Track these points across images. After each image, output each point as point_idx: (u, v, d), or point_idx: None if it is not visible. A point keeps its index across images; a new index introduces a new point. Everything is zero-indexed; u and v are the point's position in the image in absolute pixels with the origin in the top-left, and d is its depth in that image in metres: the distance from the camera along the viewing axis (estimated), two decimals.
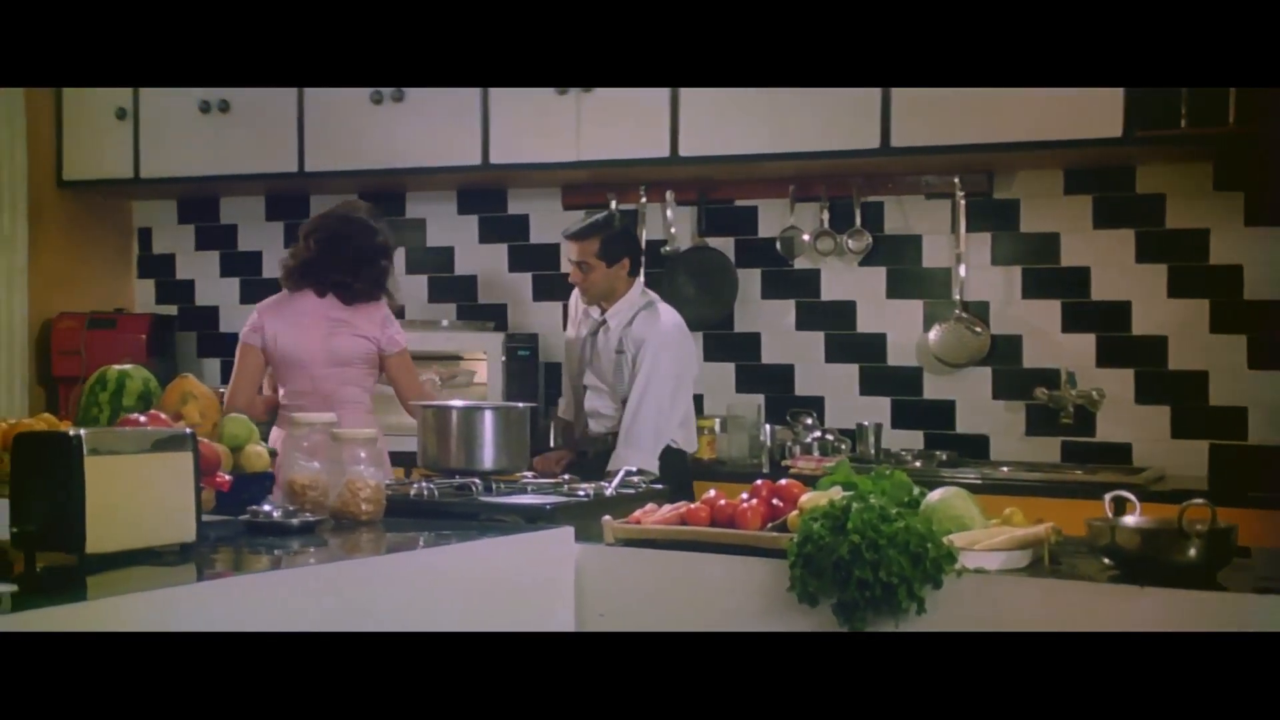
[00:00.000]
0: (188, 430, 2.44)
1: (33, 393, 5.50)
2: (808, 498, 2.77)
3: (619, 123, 4.83)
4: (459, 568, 2.66)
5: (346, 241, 4.23)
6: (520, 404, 3.51)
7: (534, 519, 3.00)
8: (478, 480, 3.28)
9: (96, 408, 3.71)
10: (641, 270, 4.61)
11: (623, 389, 4.42)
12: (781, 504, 2.83)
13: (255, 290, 5.84)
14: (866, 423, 4.78)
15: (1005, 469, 4.57)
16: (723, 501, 2.87)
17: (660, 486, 3.49)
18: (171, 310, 5.99)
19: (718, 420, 4.89)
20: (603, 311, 4.55)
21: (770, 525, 2.79)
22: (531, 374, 5.12)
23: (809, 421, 4.90)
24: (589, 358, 4.57)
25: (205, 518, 2.78)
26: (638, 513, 2.91)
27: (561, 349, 5.29)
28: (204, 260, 5.99)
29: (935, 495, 2.77)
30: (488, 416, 3.39)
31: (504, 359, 5.03)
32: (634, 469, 3.52)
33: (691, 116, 4.75)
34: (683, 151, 4.80)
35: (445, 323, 5.27)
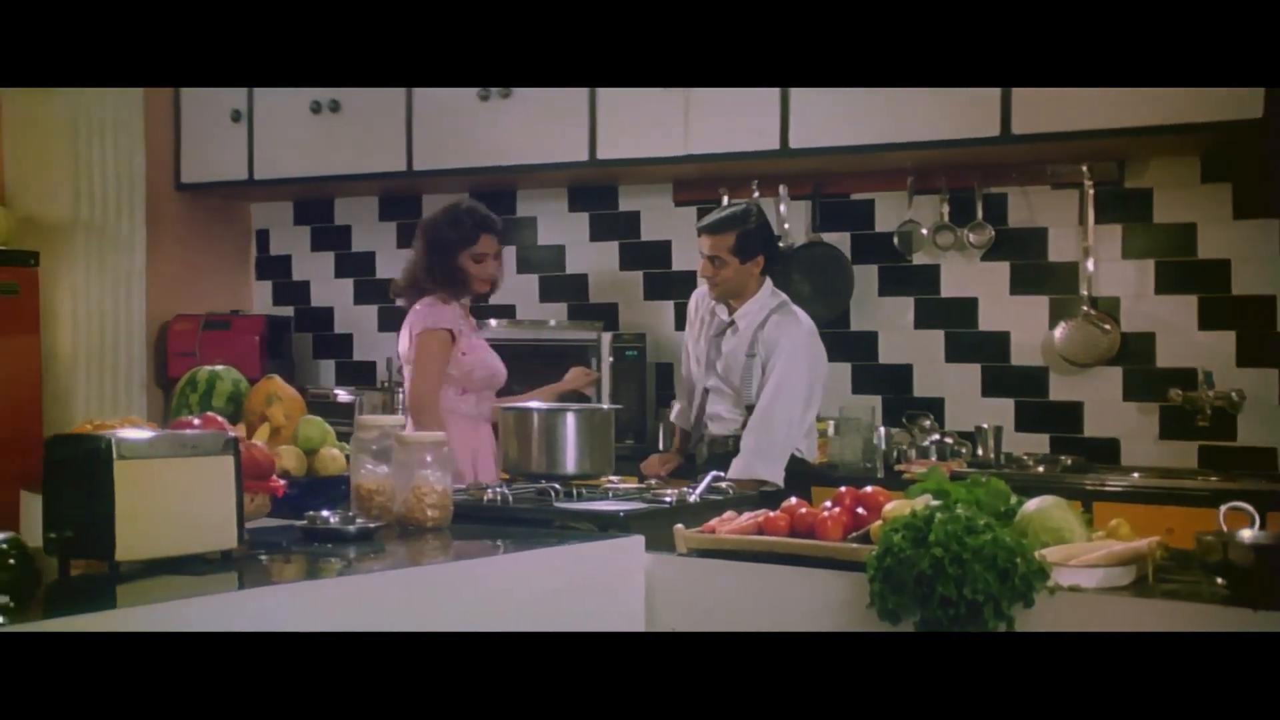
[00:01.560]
0: (231, 434, 2.35)
1: (150, 394, 5.54)
2: (892, 506, 2.58)
3: (728, 115, 4.66)
4: (520, 578, 2.53)
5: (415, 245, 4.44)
6: (605, 405, 3.38)
7: (607, 526, 2.86)
8: (557, 485, 3.15)
9: (187, 409, 3.68)
10: (772, 268, 4.40)
11: (749, 394, 4.24)
12: (866, 513, 2.65)
13: (368, 291, 5.83)
14: (986, 425, 4.54)
15: (1137, 475, 4.29)
16: (804, 510, 2.70)
17: (753, 494, 3.32)
18: (288, 312, 5.99)
19: (831, 423, 4.69)
20: (731, 311, 4.34)
21: (852, 536, 2.61)
22: (639, 374, 4.97)
23: (927, 424, 4.68)
24: (714, 360, 4.36)
25: (261, 524, 2.72)
26: (714, 520, 2.75)
27: (672, 349, 5.16)
28: (319, 261, 5.98)
29: (1032, 505, 2.56)
30: (570, 419, 3.26)
31: (611, 359, 4.90)
32: (724, 474, 3.34)
33: (802, 107, 4.56)
34: (793, 143, 4.61)
35: (553, 322, 5.16)
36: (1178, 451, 4.44)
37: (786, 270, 4.98)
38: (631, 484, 3.35)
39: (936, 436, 4.61)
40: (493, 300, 5.50)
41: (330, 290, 5.95)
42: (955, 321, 4.80)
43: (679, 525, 2.69)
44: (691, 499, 3.11)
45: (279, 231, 6.08)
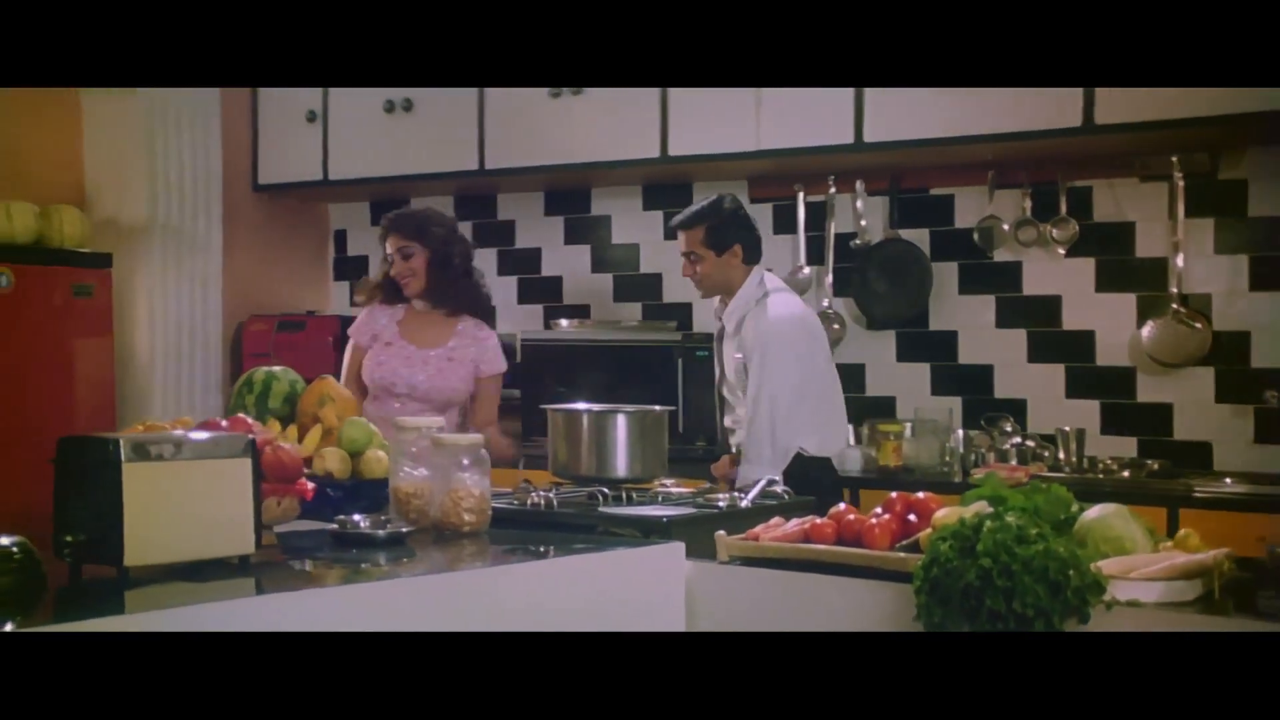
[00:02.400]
0: (249, 436, 2.28)
1: (225, 395, 5.54)
2: (943, 514, 2.45)
3: (800, 109, 4.53)
4: (552, 586, 2.44)
5: None
6: (657, 407, 3.27)
7: (651, 533, 2.76)
8: (605, 489, 3.06)
9: (243, 410, 3.64)
10: (760, 258, 4.21)
11: (744, 398, 4.09)
12: (917, 520, 2.52)
13: None
14: (1069, 428, 4.36)
15: (1229, 481, 4.08)
16: (852, 516, 2.57)
17: (809, 498, 3.20)
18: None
19: (908, 425, 4.54)
20: (723, 312, 4.21)
21: (901, 544, 2.48)
22: (710, 375, 4.85)
23: (1008, 427, 4.50)
24: (722, 367, 4.25)
25: (292, 527, 2.66)
26: (759, 527, 2.63)
27: None
28: None
29: (1091, 513, 2.41)
30: (620, 421, 3.17)
31: (681, 360, 4.80)
32: (776, 478, 3.22)
33: (876, 99, 4.42)
34: (868, 137, 4.47)
35: (624, 323, 5.07)
36: (1273, 456, 4.22)
37: (863, 268, 4.85)
38: (686, 488, 3.24)
39: (1017, 440, 4.43)
40: (567, 300, 5.47)
41: None
42: (1038, 320, 4.62)
43: (720, 532, 2.58)
44: (743, 504, 3.00)
45: (356, 232, 6.06)
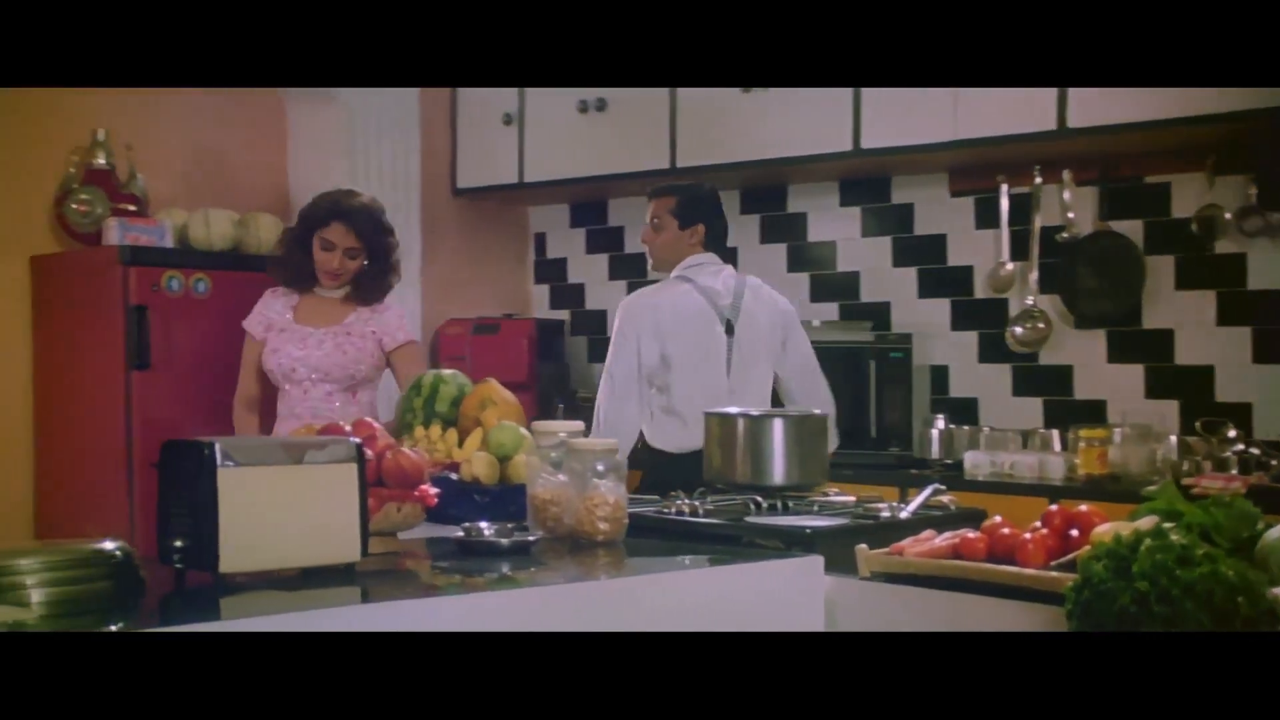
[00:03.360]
0: (354, 439, 2.22)
1: None
2: (1105, 529, 2.21)
3: (999, 94, 4.27)
4: (679, 600, 2.29)
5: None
6: (816, 411, 3.09)
7: (794, 544, 2.59)
8: (758, 498, 2.90)
9: (411, 414, 3.64)
10: (722, 249, 4.21)
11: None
12: (1078, 535, 2.28)
13: None
14: None
15: None
16: (1006, 530, 2.35)
17: (980, 510, 2.97)
18: (564, 315, 5.94)
19: (1116, 431, 4.23)
20: None
21: (1057, 562, 2.25)
22: (904, 377, 4.63)
23: (1231, 434, 4.14)
24: None
25: (417, 534, 2.59)
26: (907, 540, 2.44)
27: (944, 351, 4.82)
28: (593, 263, 5.90)
29: (1275, 532, 2.14)
30: (776, 426, 3.00)
31: (874, 362, 4.59)
32: (944, 487, 3.00)
33: None
34: (1072, 122, 4.19)
35: (817, 323, 4.88)
36: None
37: (1071, 262, 4.56)
38: (848, 496, 3.05)
39: (1240, 447, 4.07)
40: None
41: (604, 293, 5.86)
42: (1264, 317, 4.24)
43: (861, 545, 2.39)
44: (903, 515, 2.79)
45: (556, 234, 6.04)
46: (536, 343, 5.59)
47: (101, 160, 4.76)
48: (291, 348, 4.06)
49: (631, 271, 5.76)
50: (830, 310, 5.14)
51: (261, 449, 2.10)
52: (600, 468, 2.62)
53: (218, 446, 2.05)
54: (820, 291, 5.21)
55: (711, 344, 4.04)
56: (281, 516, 2.10)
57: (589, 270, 5.92)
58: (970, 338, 4.82)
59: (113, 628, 1.86)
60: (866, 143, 4.63)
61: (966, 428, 4.58)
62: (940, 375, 4.84)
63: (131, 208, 4.73)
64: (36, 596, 1.89)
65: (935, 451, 4.52)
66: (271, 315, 4.14)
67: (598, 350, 5.86)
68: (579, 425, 2.77)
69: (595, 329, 5.87)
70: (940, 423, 4.58)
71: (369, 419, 2.58)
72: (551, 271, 6.04)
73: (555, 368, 5.71)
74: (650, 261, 4.26)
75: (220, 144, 5.27)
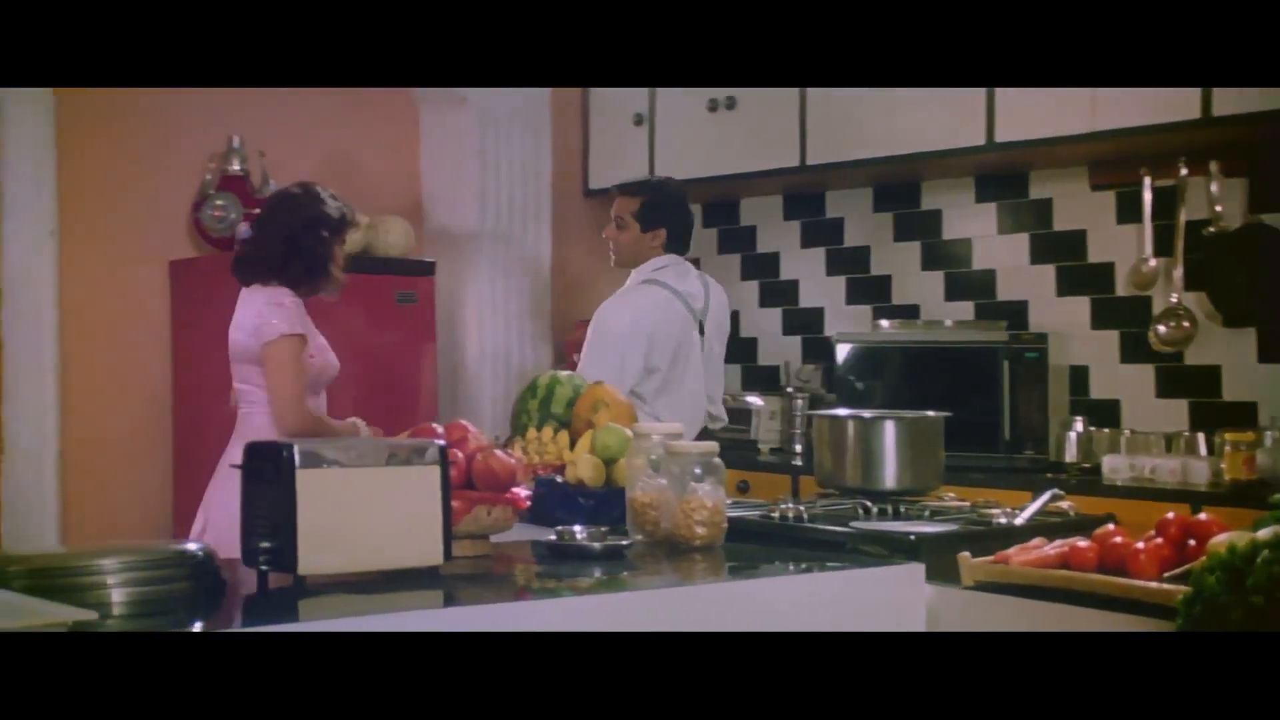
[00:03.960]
0: (439, 443, 2.19)
1: None
2: (1222, 539, 2.08)
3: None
4: (772, 608, 2.22)
5: (270, 224, 3.81)
6: (931, 414, 2.98)
7: (898, 551, 2.49)
8: (867, 502, 2.81)
9: (526, 415, 3.62)
10: (686, 249, 4.27)
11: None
12: (1195, 545, 2.16)
13: (773, 293, 5.62)
14: None
15: None
16: (1119, 539, 2.23)
17: (1103, 516, 2.83)
18: None
19: (1267, 434, 4.01)
20: None
21: (1170, 574, 2.13)
22: (1040, 378, 4.47)
23: None
24: None
25: (510, 536, 2.56)
26: (1014, 549, 2.33)
27: (1085, 351, 4.65)
28: (726, 264, 5.82)
29: None
30: (888, 428, 2.91)
31: (1008, 363, 4.43)
32: (1060, 492, 2.87)
33: None
34: (1217, 110, 3.98)
35: (949, 323, 4.75)
36: None
37: (1216, 258, 4.35)
38: (963, 501, 2.94)
39: None
40: (895, 300, 5.19)
41: (736, 293, 5.76)
42: None
43: (964, 553, 2.29)
44: (1018, 521, 2.68)
45: None
46: None
47: (236, 166, 4.85)
48: (330, 354, 3.87)
49: (764, 272, 5.68)
50: (965, 310, 4.99)
51: (342, 451, 2.09)
52: (698, 470, 2.56)
53: (296, 448, 2.04)
54: (955, 290, 5.06)
55: (691, 350, 4.11)
56: (361, 519, 2.08)
57: (721, 271, 5.82)
58: (1111, 337, 4.63)
59: (189, 628, 1.86)
60: (1001, 136, 4.48)
61: (1106, 430, 4.40)
62: (1080, 376, 4.65)
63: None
64: (117, 596, 1.91)
65: (1072, 455, 4.36)
66: (303, 318, 3.79)
67: (729, 351, 5.77)
68: (678, 428, 2.71)
69: None
70: (1078, 425, 4.41)
71: (462, 422, 2.55)
72: None
73: None
74: (613, 259, 4.33)
75: (352, 148, 5.34)
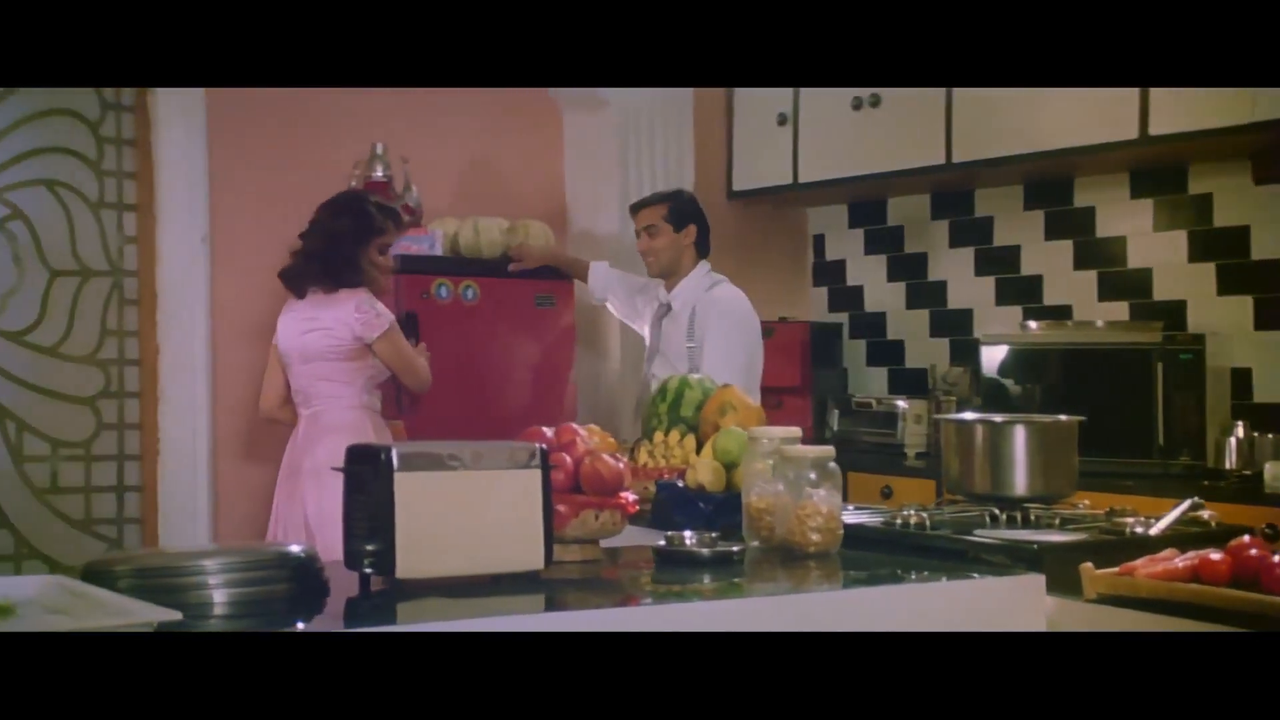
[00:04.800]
0: (539, 446, 2.17)
1: None
2: None
3: None
4: (884, 619, 2.15)
5: (311, 234, 4.14)
6: (1064, 417, 2.86)
7: (1020, 560, 2.39)
8: (995, 509, 2.71)
9: (656, 419, 3.61)
10: (709, 253, 4.60)
11: None
12: None
13: (921, 295, 5.50)
14: None
15: None
16: (1254, 551, 2.11)
17: (1244, 526, 2.68)
18: (841, 318, 5.78)
19: None
20: (668, 292, 4.51)
21: None
22: (1196, 381, 4.27)
23: None
24: (657, 345, 4.50)
25: (621, 541, 2.53)
26: (1141, 560, 2.21)
27: (1242, 353, 4.45)
28: (872, 265, 5.72)
29: None
30: (1019, 433, 2.80)
31: (1161, 365, 4.25)
32: (1200, 500, 2.72)
33: None
34: None
35: (1100, 323, 4.58)
36: None
37: None
38: (1097, 509, 2.81)
39: None
40: (1047, 300, 5.03)
41: (883, 294, 5.68)
42: None
43: (1087, 564, 2.19)
44: (1153, 531, 2.55)
45: (834, 235, 5.89)
46: (810, 346, 5.46)
47: (379, 172, 4.91)
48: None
49: (911, 273, 5.55)
50: (1120, 310, 4.81)
51: (441, 455, 2.08)
52: (814, 476, 2.50)
53: (395, 452, 2.04)
54: (1109, 290, 4.88)
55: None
56: (461, 522, 2.08)
57: (868, 272, 5.75)
58: (1277, 339, 4.41)
59: (285, 629, 1.87)
60: (1155, 129, 4.30)
61: (1270, 435, 4.18)
62: (1242, 379, 4.44)
63: (406, 217, 4.86)
64: (219, 597, 1.93)
65: (1231, 461, 4.16)
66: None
67: (876, 354, 5.69)
68: (796, 431, 2.64)
69: (874, 332, 5.69)
70: (1239, 430, 4.21)
71: (573, 426, 2.53)
72: (830, 273, 5.89)
73: (831, 372, 5.57)
74: (649, 269, 4.58)
75: (494, 153, 5.37)
